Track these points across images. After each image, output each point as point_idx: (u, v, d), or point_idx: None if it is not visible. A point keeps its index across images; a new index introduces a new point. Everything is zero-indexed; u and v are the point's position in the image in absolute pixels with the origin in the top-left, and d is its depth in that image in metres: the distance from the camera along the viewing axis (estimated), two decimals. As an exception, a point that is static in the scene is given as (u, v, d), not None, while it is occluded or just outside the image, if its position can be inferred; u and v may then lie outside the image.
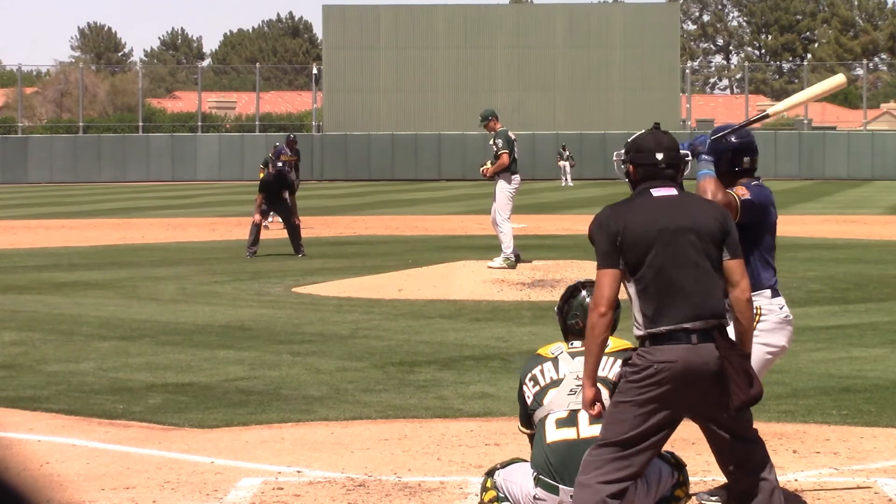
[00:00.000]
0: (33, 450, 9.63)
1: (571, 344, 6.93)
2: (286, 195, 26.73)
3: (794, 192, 55.24)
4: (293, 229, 26.28)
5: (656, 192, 6.50)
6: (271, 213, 27.65)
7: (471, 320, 16.57)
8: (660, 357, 6.25)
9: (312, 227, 31.98)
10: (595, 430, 6.58)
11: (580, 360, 6.70)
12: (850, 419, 10.60)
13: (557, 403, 6.67)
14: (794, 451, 9.54)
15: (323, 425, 10.54)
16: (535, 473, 6.66)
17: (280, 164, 30.67)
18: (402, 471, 9.00)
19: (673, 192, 6.53)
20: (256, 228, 26.20)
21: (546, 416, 6.66)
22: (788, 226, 34.68)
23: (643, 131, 6.75)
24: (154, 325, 16.24)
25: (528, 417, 6.82)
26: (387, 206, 45.30)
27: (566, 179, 62.93)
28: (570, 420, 6.63)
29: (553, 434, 6.60)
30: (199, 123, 75.04)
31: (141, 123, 74.49)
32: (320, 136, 72.04)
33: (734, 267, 6.45)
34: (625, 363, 6.39)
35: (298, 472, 8.99)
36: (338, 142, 70.70)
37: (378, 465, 9.19)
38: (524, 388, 6.82)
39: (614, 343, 6.89)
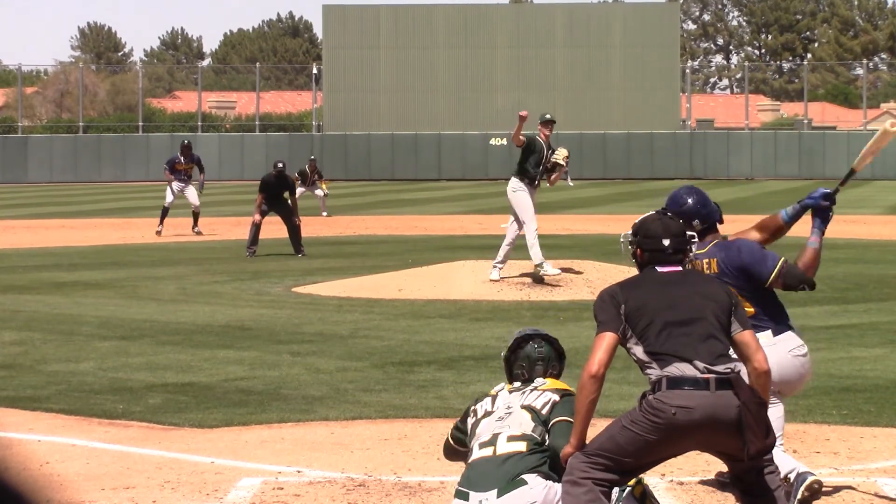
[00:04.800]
0: (33, 450, 9.63)
1: (514, 384, 7.09)
2: (286, 195, 26.76)
3: (794, 192, 55.20)
4: (293, 229, 26.30)
5: (661, 269, 6.67)
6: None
7: (471, 320, 16.57)
8: (678, 402, 6.25)
9: (309, 224, 32.01)
10: (512, 448, 6.70)
11: (516, 394, 6.93)
12: (850, 419, 10.60)
13: (484, 431, 6.84)
14: (794, 451, 9.55)
15: (323, 425, 10.55)
16: (456, 492, 6.80)
17: (174, 173, 31.21)
18: (402, 471, 9.01)
19: (678, 268, 6.69)
20: (256, 228, 26.24)
21: (474, 444, 6.85)
22: (788, 226, 34.63)
23: (651, 214, 6.88)
24: (154, 325, 16.24)
25: (460, 437, 7.04)
26: (387, 206, 45.30)
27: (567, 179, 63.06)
28: (491, 441, 6.77)
29: (475, 454, 6.76)
30: (199, 123, 75.04)
31: (141, 123, 74.49)
32: (320, 136, 72.03)
33: (746, 338, 6.51)
34: (643, 397, 6.40)
35: (298, 472, 8.99)
36: (338, 142, 70.69)
37: (378, 465, 9.19)
38: (468, 417, 7.07)
39: (550, 383, 7.02)
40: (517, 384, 7.04)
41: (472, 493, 6.59)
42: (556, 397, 6.85)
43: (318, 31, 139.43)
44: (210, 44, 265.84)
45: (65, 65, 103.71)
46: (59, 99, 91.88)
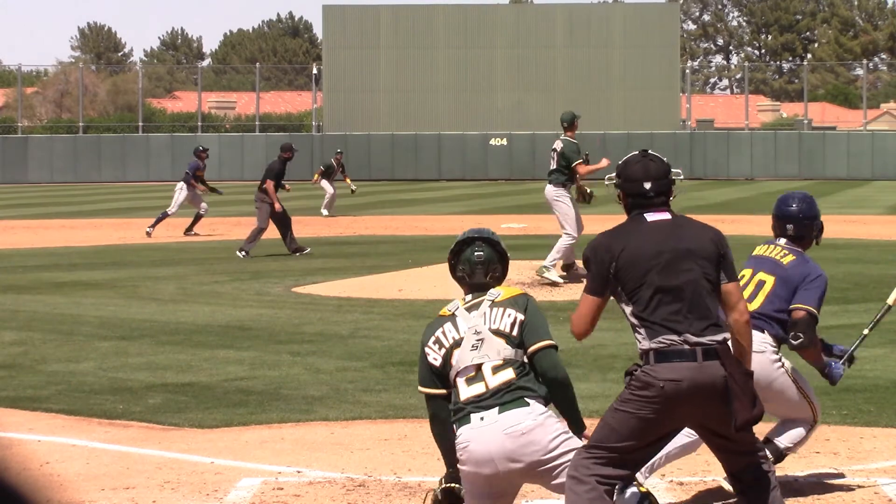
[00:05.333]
0: (33, 450, 9.63)
1: (465, 298, 6.94)
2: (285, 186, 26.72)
3: (794, 192, 55.16)
4: (287, 223, 25.99)
5: (650, 217, 6.56)
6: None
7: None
8: (665, 375, 6.26)
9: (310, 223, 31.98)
10: (501, 378, 6.60)
11: (475, 313, 6.78)
12: (850, 419, 10.60)
13: (463, 362, 6.72)
14: (794, 451, 9.54)
15: (323, 425, 10.54)
16: (455, 420, 6.73)
17: (193, 179, 31.38)
18: (402, 471, 9.00)
19: (667, 216, 6.57)
20: (261, 233, 26.02)
21: (456, 377, 6.73)
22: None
23: (634, 154, 6.76)
24: (154, 325, 16.24)
25: (432, 378, 6.83)
26: (387, 206, 45.29)
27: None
28: (477, 376, 6.68)
29: (465, 392, 6.67)
30: (199, 123, 75.03)
31: (141, 123, 74.48)
32: (320, 136, 72.03)
33: (731, 289, 6.51)
34: (629, 374, 6.41)
35: (298, 472, 8.99)
36: (338, 142, 70.66)
37: (378, 465, 9.19)
38: (428, 350, 6.83)
39: (506, 291, 6.88)
40: (469, 298, 6.88)
41: (472, 415, 6.57)
42: (521, 315, 6.73)
43: (318, 31, 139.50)
44: (210, 44, 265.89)
45: (65, 65, 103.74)
46: (59, 99, 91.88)
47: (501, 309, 6.77)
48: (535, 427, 6.50)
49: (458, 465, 6.67)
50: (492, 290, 6.92)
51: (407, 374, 12.70)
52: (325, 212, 39.70)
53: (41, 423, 10.70)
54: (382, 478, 8.81)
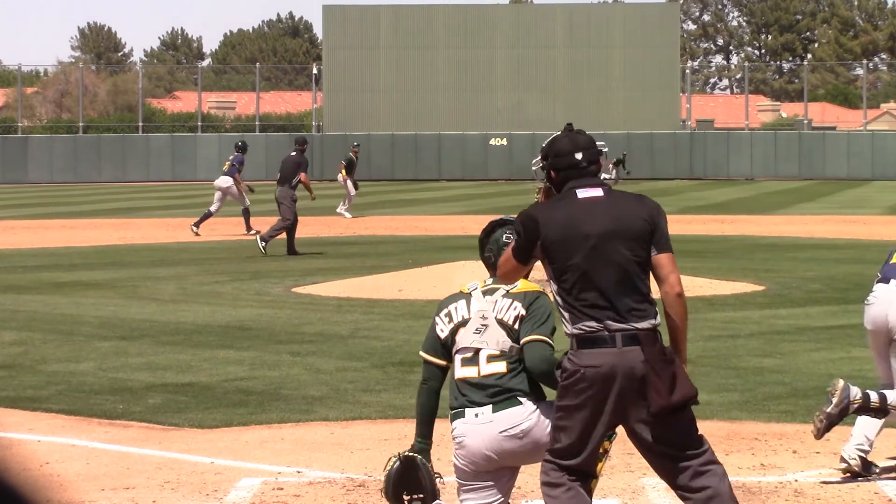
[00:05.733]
0: (33, 450, 9.63)
1: (486, 281, 7.08)
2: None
3: (794, 192, 55.23)
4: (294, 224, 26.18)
5: (582, 194, 6.45)
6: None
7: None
8: (586, 361, 6.25)
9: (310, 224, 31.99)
10: (492, 369, 6.70)
11: (489, 298, 6.92)
12: (850, 419, 10.59)
13: (465, 342, 6.87)
14: (794, 451, 9.55)
15: (323, 425, 10.54)
16: (451, 412, 6.87)
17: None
18: (402, 471, 8.99)
19: (598, 192, 6.45)
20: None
21: (456, 353, 6.90)
22: (788, 226, 34.68)
23: (558, 134, 6.72)
24: (154, 325, 16.24)
25: (435, 346, 6.98)
26: (387, 206, 45.29)
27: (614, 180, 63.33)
28: (473, 360, 6.82)
29: (459, 371, 6.83)
30: (199, 123, 75.03)
31: (141, 123, 74.48)
32: (320, 136, 72.03)
33: (661, 261, 6.35)
34: (559, 366, 6.43)
35: (298, 472, 8.99)
36: (338, 142, 70.66)
37: (378, 465, 9.17)
38: (437, 320, 7.01)
39: (522, 285, 6.98)
40: (490, 282, 7.02)
41: (467, 410, 6.71)
42: (524, 310, 6.83)
43: (318, 31, 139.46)
44: (210, 44, 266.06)
45: (65, 65, 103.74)
46: (59, 99, 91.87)
47: (511, 300, 6.90)
48: (533, 427, 6.62)
49: (454, 454, 6.79)
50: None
51: (407, 374, 12.69)
52: (347, 214, 38.89)
53: (41, 423, 10.70)
54: (382, 478, 8.81)
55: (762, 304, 18.06)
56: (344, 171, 40.53)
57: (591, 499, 6.45)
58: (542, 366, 6.67)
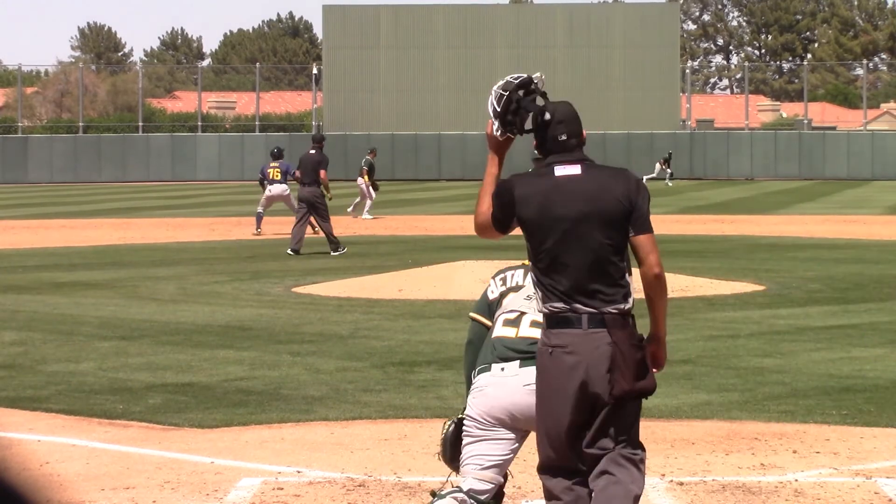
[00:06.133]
0: (33, 450, 9.63)
1: None
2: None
3: (794, 192, 55.23)
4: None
5: (559, 171, 6.27)
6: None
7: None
8: (554, 341, 6.18)
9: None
10: (532, 333, 6.71)
11: None
12: (850, 419, 10.59)
13: (513, 305, 6.98)
14: (794, 451, 9.54)
15: (323, 425, 10.54)
16: (476, 369, 6.94)
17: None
18: (402, 471, 9.00)
19: (577, 170, 6.26)
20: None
21: (499, 315, 7.00)
22: (788, 226, 34.68)
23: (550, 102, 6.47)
24: (154, 325, 16.24)
25: (486, 308, 7.12)
26: (387, 206, 45.29)
27: (666, 179, 63.60)
28: (515, 321, 6.90)
29: (499, 331, 6.91)
30: (199, 123, 75.05)
31: (141, 123, 74.50)
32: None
33: (640, 242, 6.19)
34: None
35: (298, 472, 8.99)
36: (338, 142, 70.68)
37: (378, 465, 9.18)
38: (492, 283, 7.18)
39: None
40: None
41: (493, 365, 6.78)
42: None
43: (318, 31, 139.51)
44: (210, 44, 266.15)
45: (65, 65, 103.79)
46: (59, 99, 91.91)
47: None
48: None
49: (468, 405, 6.84)
50: None
51: (407, 374, 12.70)
52: (367, 215, 38.90)
53: (41, 423, 10.70)
54: (382, 478, 8.81)
55: (762, 304, 18.06)
56: (367, 176, 40.38)
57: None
58: None
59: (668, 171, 65.02)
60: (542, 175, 6.31)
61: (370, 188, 39.83)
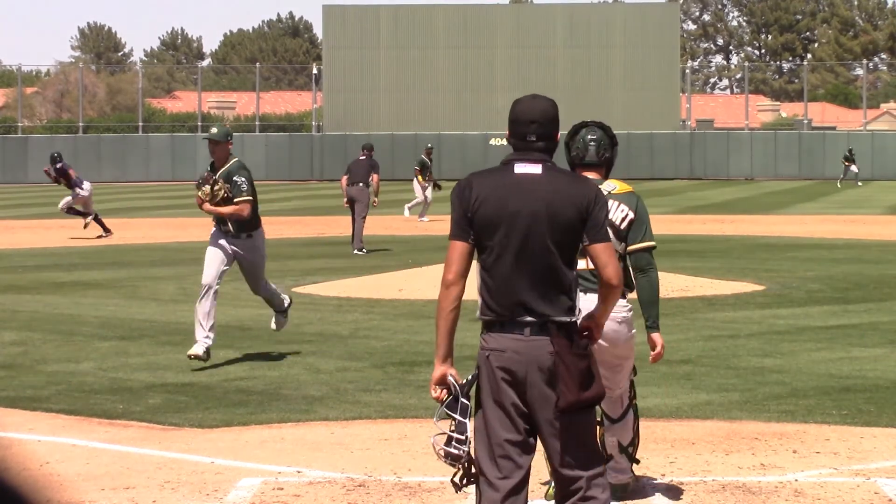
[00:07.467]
0: (33, 450, 9.63)
1: None
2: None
3: (794, 192, 55.23)
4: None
5: (519, 169, 6.04)
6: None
7: (471, 320, 16.47)
8: (492, 345, 5.98)
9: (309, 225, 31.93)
10: (589, 264, 6.60)
11: None
12: (850, 419, 10.59)
13: None
14: (794, 451, 9.54)
15: (323, 425, 10.54)
16: None
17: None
18: (402, 471, 9.00)
19: (537, 169, 6.05)
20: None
21: None
22: (788, 226, 34.68)
23: (526, 96, 6.36)
24: (154, 325, 16.24)
25: None
26: (387, 206, 45.29)
27: (854, 179, 62.58)
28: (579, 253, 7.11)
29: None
30: (199, 123, 75.05)
31: (141, 123, 74.51)
32: (320, 136, 72.04)
33: (596, 251, 5.96)
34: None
35: (298, 472, 8.99)
36: (338, 142, 70.69)
37: (378, 465, 9.18)
38: None
39: (620, 186, 7.90)
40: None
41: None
42: (632, 213, 7.77)
43: (318, 31, 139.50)
44: (210, 44, 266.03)
45: (65, 65, 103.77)
46: (58, 99, 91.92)
47: (617, 203, 7.77)
48: (630, 318, 7.57)
49: None
50: (609, 182, 7.93)
51: (407, 374, 12.70)
52: (425, 218, 37.94)
53: (41, 423, 10.70)
54: (382, 478, 8.81)
55: (762, 304, 18.06)
56: (420, 176, 39.27)
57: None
58: (648, 269, 7.68)
59: (854, 168, 62.90)
60: (501, 171, 6.08)
61: (427, 192, 38.53)
